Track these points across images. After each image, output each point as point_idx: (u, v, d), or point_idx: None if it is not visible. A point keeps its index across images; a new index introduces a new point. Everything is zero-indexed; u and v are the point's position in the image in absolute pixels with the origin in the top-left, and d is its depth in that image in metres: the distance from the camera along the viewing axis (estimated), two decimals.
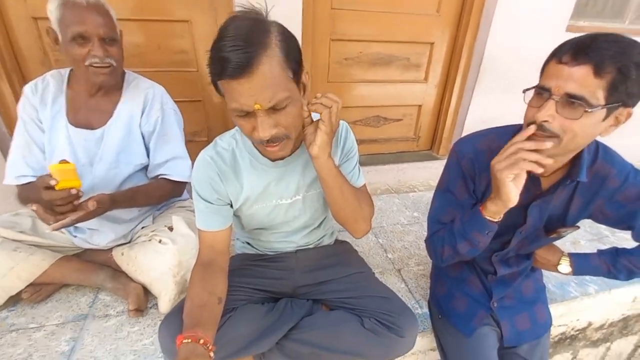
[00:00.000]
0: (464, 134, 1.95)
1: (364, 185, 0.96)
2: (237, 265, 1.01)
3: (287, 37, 0.63)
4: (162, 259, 1.01)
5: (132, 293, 1.05)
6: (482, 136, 0.85)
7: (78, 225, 1.03)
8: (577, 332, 1.37)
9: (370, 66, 1.79)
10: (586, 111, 0.61)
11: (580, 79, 0.60)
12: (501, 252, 0.93)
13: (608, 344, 1.50)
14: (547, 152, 0.69)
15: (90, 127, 1.01)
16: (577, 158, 0.76)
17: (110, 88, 1.02)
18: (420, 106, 1.98)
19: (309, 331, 0.88)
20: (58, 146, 0.99)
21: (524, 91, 0.71)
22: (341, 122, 0.88)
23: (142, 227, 1.16)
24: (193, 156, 1.13)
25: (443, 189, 0.91)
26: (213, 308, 0.78)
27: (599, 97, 0.60)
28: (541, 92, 0.66)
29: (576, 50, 0.61)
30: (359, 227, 0.89)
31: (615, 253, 0.91)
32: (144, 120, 1.05)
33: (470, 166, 0.83)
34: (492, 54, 1.74)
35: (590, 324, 1.36)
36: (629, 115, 0.65)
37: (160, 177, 1.11)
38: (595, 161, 0.78)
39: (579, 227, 0.88)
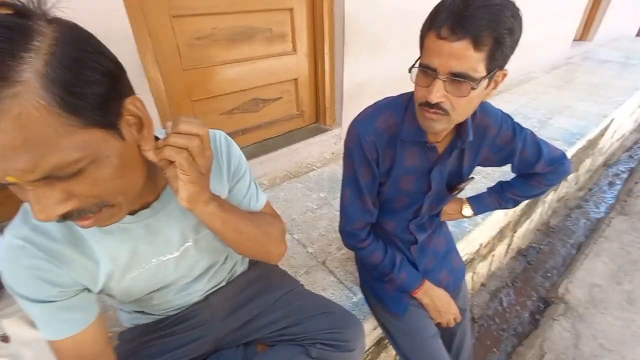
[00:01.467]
0: (345, 100, 1.95)
1: (267, 202, 0.79)
2: (133, 348, 0.75)
3: (74, 55, 0.36)
4: None
5: None
6: (378, 113, 0.80)
7: None
8: (474, 255, 1.59)
9: (230, 43, 1.54)
10: (473, 88, 0.60)
11: (461, 55, 0.58)
12: (416, 220, 0.94)
13: (493, 252, 1.82)
14: (438, 128, 0.69)
15: None
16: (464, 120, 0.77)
17: None
18: (296, 80, 1.85)
19: None
20: None
21: (410, 70, 0.67)
22: (213, 132, 0.67)
23: None
24: (16, 209, 0.75)
25: (350, 177, 0.86)
26: None
27: (480, 69, 0.59)
28: (426, 70, 0.63)
29: (453, 23, 0.57)
30: (273, 255, 0.75)
31: (501, 188, 1.02)
32: None
33: (373, 149, 0.79)
34: (352, 14, 1.71)
35: (481, 245, 1.60)
36: (505, 75, 0.67)
37: None
38: (475, 116, 0.81)
39: (474, 178, 0.94)
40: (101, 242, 0.57)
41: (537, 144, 0.89)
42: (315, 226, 1.42)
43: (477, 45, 0.56)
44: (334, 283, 1.16)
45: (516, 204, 1.03)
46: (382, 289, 1.01)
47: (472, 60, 0.58)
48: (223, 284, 0.84)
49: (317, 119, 2.06)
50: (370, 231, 0.94)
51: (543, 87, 3.28)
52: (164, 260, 0.65)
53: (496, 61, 0.60)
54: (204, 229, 0.68)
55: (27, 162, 0.34)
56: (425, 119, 0.68)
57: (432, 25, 0.60)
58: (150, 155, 0.47)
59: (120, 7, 1.08)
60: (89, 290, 0.60)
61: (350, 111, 1.99)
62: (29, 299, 0.53)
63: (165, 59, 1.37)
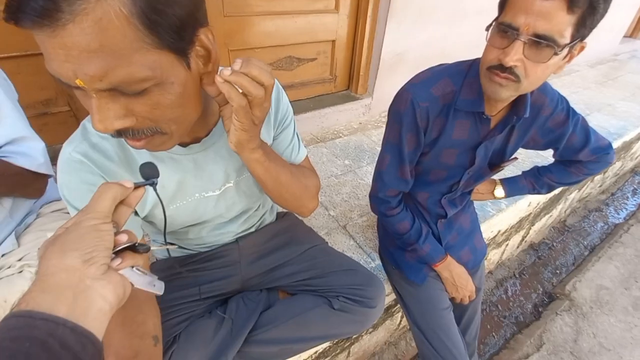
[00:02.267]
0: (381, 69, 1.89)
1: (306, 156, 0.79)
2: (165, 277, 0.78)
3: None
4: None
5: None
6: (435, 79, 0.76)
7: None
8: (489, 242, 1.59)
9: None
10: (556, 54, 0.56)
11: (551, 15, 0.53)
12: (449, 194, 0.94)
13: (507, 242, 1.82)
14: (504, 96, 0.65)
15: None
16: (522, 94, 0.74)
17: None
18: (333, 41, 1.79)
19: (273, 328, 0.77)
20: None
21: (487, 29, 0.63)
22: None
23: (2, 255, 0.80)
24: (52, 137, 0.76)
25: (394, 143, 0.83)
26: (151, 355, 0.58)
27: (567, 34, 0.55)
28: (506, 29, 0.58)
29: None
30: (305, 208, 0.76)
31: (537, 172, 1.01)
32: None
33: (425, 116, 0.76)
34: None
35: (499, 232, 1.60)
36: (582, 48, 0.62)
37: None
38: (532, 92, 0.78)
39: (517, 159, 0.92)
40: None
41: (587, 131, 0.86)
42: (339, 191, 1.43)
43: (571, 5, 0.53)
44: (354, 247, 1.18)
45: (550, 189, 1.02)
46: (402, 257, 1.02)
47: (562, 22, 0.54)
48: (252, 230, 0.86)
49: (349, 86, 2.01)
50: (402, 200, 0.94)
51: (585, 81, 3.11)
52: (205, 196, 0.67)
53: (584, 28, 0.56)
54: (245, 172, 0.69)
55: (97, 69, 0.35)
56: (492, 84, 0.64)
57: None
58: (212, 90, 0.47)
59: None
60: (136, 213, 0.62)
61: (383, 82, 1.93)
62: (78, 209, 0.55)
63: (207, 3, 1.32)
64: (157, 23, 0.36)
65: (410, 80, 0.80)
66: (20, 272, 0.75)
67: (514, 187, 1.04)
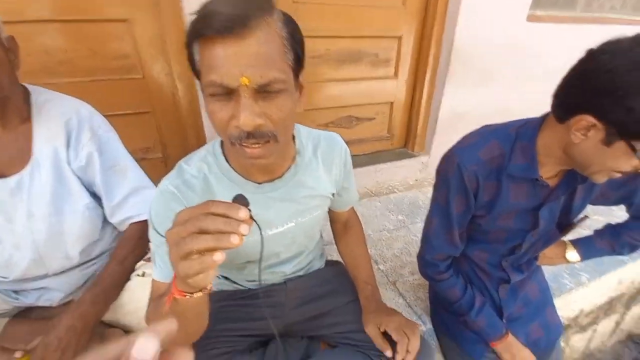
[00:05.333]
0: (438, 129, 1.92)
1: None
2: (216, 308, 0.83)
3: (291, 20, 0.53)
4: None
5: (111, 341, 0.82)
6: (483, 143, 0.75)
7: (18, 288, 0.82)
8: (570, 322, 1.36)
9: (338, 64, 1.67)
10: None
11: None
12: (511, 257, 0.86)
13: (595, 326, 1.53)
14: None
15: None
16: None
17: (10, 118, 0.73)
18: (392, 103, 1.90)
19: None
20: None
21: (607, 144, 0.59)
22: (333, 136, 0.79)
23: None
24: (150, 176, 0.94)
25: (441, 206, 0.81)
26: None
27: None
28: None
29: None
30: None
31: (614, 231, 0.90)
32: (72, 155, 0.78)
33: (474, 179, 0.74)
34: (461, 46, 1.70)
35: (581, 311, 1.36)
36: None
37: (129, 224, 0.87)
38: None
39: (588, 217, 0.83)
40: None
41: None
42: (390, 246, 1.40)
43: None
44: (403, 306, 1.12)
45: (633, 249, 0.89)
46: (457, 328, 0.93)
47: None
48: (301, 273, 0.89)
49: (406, 144, 2.06)
50: (451, 264, 0.89)
51: None
52: (268, 234, 0.73)
53: None
54: (307, 215, 0.75)
55: (260, 68, 0.47)
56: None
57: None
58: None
59: None
60: None
61: (441, 140, 1.95)
62: (159, 232, 0.63)
63: None
64: (292, 46, 0.51)
65: (458, 143, 0.79)
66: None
67: (589, 249, 0.92)
